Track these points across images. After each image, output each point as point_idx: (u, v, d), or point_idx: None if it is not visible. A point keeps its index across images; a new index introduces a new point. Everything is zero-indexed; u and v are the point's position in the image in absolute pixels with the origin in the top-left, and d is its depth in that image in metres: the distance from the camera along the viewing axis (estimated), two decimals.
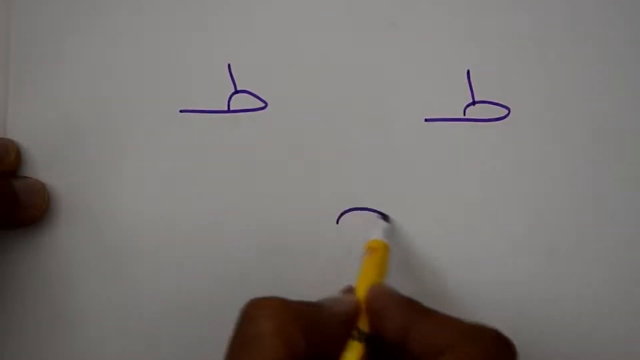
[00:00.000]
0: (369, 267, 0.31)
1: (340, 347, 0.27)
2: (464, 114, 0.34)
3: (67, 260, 0.36)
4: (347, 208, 0.35)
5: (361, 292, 0.29)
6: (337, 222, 0.35)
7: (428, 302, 0.28)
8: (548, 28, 0.34)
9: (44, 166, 0.36)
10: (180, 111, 0.36)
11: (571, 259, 0.34)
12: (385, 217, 0.34)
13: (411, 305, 0.28)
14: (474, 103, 0.34)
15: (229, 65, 0.36)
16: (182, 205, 0.36)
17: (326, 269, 0.34)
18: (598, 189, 0.34)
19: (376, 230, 0.33)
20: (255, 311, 0.26)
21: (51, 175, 0.36)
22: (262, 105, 0.35)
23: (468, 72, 0.34)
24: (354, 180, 0.35)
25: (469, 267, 0.34)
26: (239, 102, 0.36)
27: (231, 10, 0.36)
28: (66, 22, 0.36)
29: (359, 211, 0.34)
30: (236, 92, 0.36)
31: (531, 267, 0.34)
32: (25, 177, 0.36)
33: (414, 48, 0.35)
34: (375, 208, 0.35)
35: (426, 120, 0.35)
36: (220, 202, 0.35)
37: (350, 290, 0.30)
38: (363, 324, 0.28)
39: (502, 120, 0.34)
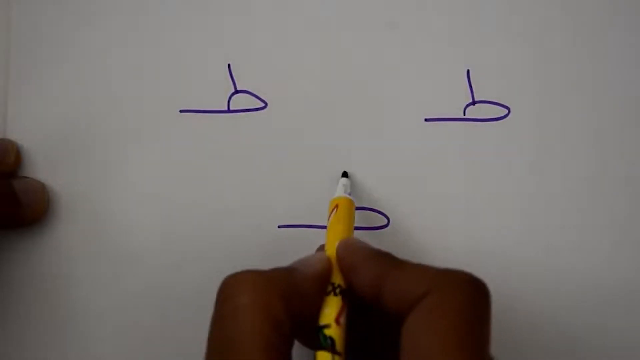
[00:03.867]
0: (335, 224, 0.31)
1: (319, 306, 0.27)
2: (464, 114, 0.34)
3: (67, 260, 0.36)
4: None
5: (331, 249, 0.29)
6: None
7: None
8: (548, 28, 0.34)
9: (44, 166, 0.36)
10: (180, 111, 0.36)
11: (571, 259, 0.34)
12: (345, 173, 0.34)
13: (382, 257, 0.28)
14: (474, 103, 0.34)
15: (229, 65, 0.36)
16: (181, 205, 0.36)
17: None
18: (598, 189, 0.34)
19: (338, 188, 0.33)
20: (232, 288, 0.26)
21: (51, 175, 0.36)
22: (262, 105, 0.35)
23: (468, 72, 0.34)
24: (354, 180, 0.35)
25: (468, 267, 0.34)
26: (239, 102, 0.36)
27: (231, 10, 0.36)
28: (66, 21, 0.36)
29: (358, 211, 0.34)
30: (236, 92, 0.36)
31: (531, 267, 0.34)
32: (25, 177, 0.36)
33: (414, 48, 0.35)
34: (375, 208, 0.35)
35: (426, 120, 0.35)
36: (220, 202, 0.35)
37: (322, 248, 0.30)
38: (338, 279, 0.28)
39: (502, 120, 0.34)
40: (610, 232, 0.34)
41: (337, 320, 0.27)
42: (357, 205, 0.34)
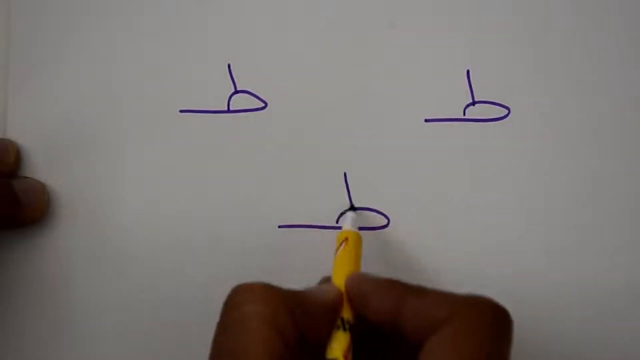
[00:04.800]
0: (344, 257, 0.31)
1: (326, 336, 0.27)
2: (464, 114, 0.34)
3: (67, 261, 0.36)
4: (346, 208, 0.35)
5: (339, 282, 0.29)
6: (337, 222, 0.35)
7: None
8: (548, 28, 0.34)
9: (44, 166, 0.36)
10: (180, 111, 0.36)
11: (570, 259, 0.34)
12: (352, 206, 0.34)
13: (398, 285, 0.28)
14: (473, 103, 0.34)
15: (229, 65, 0.36)
16: (182, 205, 0.36)
17: (328, 268, 0.34)
18: (598, 189, 0.34)
19: (346, 221, 0.33)
20: (239, 296, 0.26)
21: (51, 175, 0.36)
22: (262, 105, 0.35)
23: (468, 72, 0.34)
24: (354, 180, 0.35)
25: (468, 267, 0.34)
26: (239, 102, 0.36)
27: (231, 10, 0.36)
28: (66, 22, 0.36)
29: (358, 211, 0.34)
30: (236, 92, 0.36)
31: (530, 267, 0.34)
32: (25, 177, 0.36)
33: (414, 48, 0.35)
34: (375, 208, 0.35)
35: (426, 120, 0.35)
36: (220, 202, 0.35)
37: (327, 280, 0.30)
38: (347, 314, 0.28)
39: (502, 120, 0.34)
40: (611, 232, 0.34)
41: (345, 356, 0.27)
42: (357, 205, 0.35)
